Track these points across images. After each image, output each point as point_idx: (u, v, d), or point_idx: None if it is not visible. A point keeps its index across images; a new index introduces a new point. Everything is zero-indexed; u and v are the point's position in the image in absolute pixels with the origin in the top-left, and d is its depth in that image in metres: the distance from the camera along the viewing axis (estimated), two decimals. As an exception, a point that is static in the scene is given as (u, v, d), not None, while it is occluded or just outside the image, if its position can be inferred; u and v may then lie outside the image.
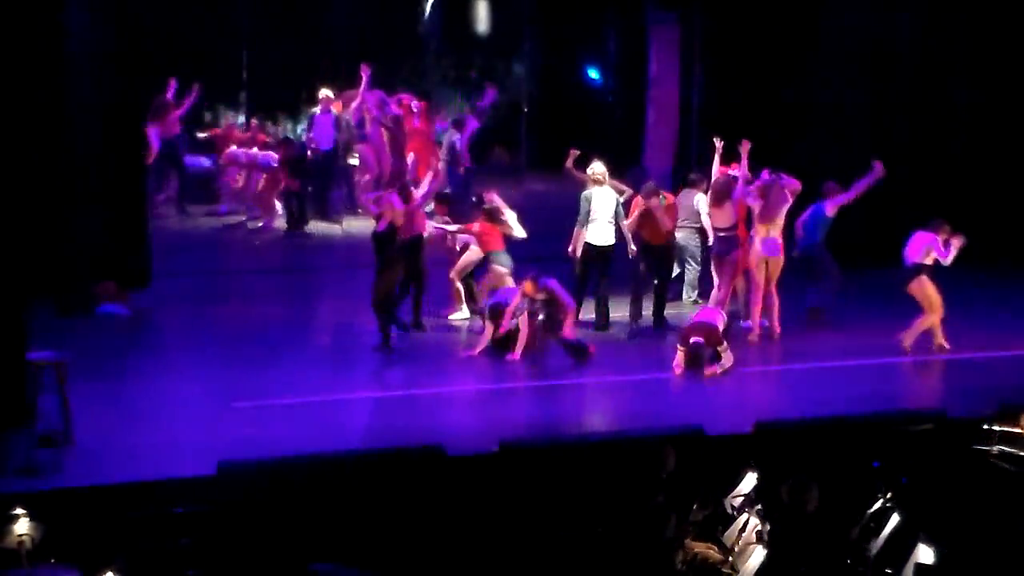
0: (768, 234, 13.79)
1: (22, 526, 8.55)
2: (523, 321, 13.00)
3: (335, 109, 19.42)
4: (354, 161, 19.82)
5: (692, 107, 18.57)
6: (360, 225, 18.07)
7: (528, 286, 12.90)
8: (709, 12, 18.31)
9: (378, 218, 13.31)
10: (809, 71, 17.59)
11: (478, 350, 13.13)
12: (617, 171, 20.97)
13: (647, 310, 14.29)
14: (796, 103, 17.77)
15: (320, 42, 21.70)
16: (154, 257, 15.19)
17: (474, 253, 14.36)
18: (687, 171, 16.46)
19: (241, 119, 21.65)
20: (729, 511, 9.31)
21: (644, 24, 21.93)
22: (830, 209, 14.44)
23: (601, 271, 14.13)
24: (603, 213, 13.99)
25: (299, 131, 21.30)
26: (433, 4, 21.90)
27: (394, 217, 13.16)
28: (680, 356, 12.72)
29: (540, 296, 12.88)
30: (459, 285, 14.49)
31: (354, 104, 19.41)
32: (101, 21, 14.15)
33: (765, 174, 14.09)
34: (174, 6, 19.22)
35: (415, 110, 19.58)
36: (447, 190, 17.31)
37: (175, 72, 19.22)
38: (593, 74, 23.23)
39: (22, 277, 10.69)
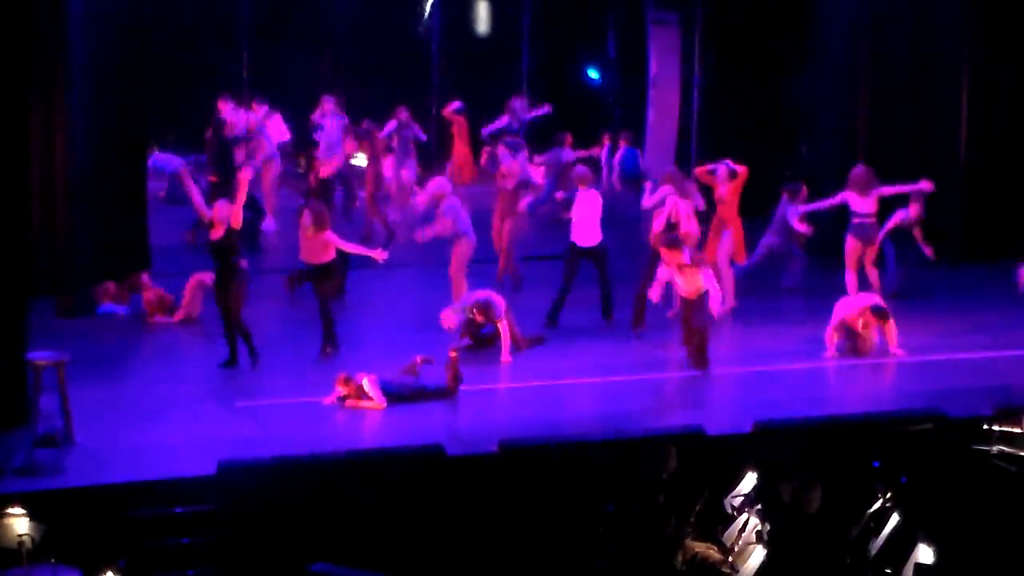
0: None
1: (22, 526, 8.56)
2: (503, 324, 12.97)
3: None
4: (354, 161, 19.68)
5: (692, 107, 18.56)
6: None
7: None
8: (709, 13, 18.32)
9: (210, 225, 12.47)
10: (809, 71, 17.59)
11: (462, 345, 13.03)
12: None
13: None
14: (796, 103, 17.77)
15: (320, 43, 21.66)
16: (154, 257, 15.21)
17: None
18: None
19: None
20: (729, 511, 9.32)
21: (644, 24, 21.94)
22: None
23: (597, 270, 14.17)
24: (588, 214, 14.02)
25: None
26: (433, 4, 21.88)
27: (232, 222, 12.30)
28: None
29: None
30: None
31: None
32: (102, 22, 14.16)
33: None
34: (175, 7, 19.21)
35: (459, 114, 19.40)
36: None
37: (175, 72, 19.18)
38: (593, 74, 23.22)
39: (22, 277, 10.71)
